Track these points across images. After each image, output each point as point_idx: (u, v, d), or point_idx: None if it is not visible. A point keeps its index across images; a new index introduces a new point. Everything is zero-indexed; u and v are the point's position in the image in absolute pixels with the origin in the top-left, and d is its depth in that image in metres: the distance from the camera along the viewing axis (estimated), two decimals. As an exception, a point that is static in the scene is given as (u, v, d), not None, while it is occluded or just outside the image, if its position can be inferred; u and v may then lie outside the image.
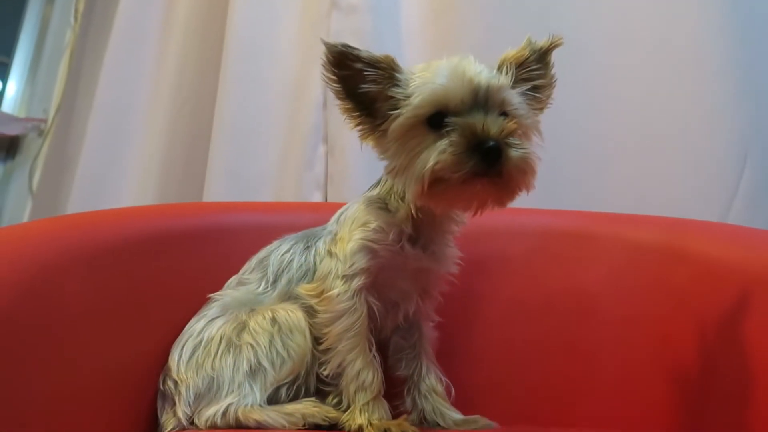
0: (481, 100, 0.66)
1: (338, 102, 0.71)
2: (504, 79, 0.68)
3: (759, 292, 0.70)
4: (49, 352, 0.60)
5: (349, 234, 0.73)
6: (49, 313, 0.61)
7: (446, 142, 0.63)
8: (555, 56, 1.18)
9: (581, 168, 1.13)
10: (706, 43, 1.08)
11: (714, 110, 1.07)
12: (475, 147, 0.62)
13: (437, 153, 0.63)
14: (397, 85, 0.69)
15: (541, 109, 0.74)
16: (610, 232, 0.92)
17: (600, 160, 1.13)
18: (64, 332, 0.63)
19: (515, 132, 0.65)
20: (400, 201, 0.73)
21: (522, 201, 1.09)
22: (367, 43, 1.26)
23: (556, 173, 1.14)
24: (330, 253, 0.74)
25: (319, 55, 0.70)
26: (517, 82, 0.70)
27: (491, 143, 0.62)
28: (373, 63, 0.69)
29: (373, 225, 0.72)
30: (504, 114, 0.67)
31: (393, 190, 0.74)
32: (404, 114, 0.67)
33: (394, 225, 0.72)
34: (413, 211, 0.71)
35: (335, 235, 0.76)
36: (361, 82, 0.69)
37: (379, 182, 0.77)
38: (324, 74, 0.69)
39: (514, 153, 0.63)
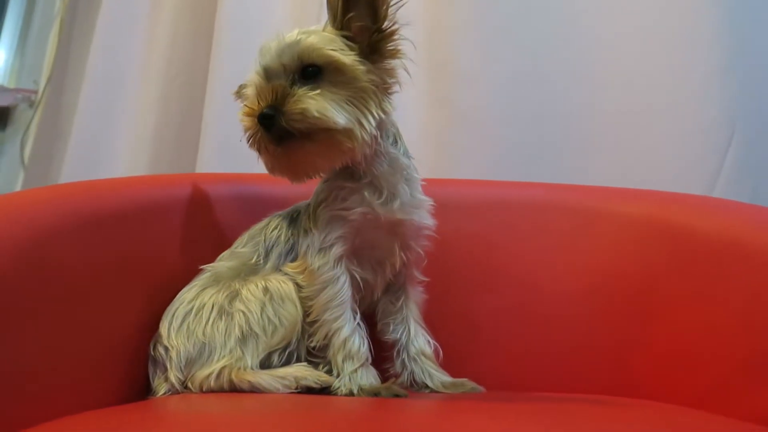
0: (275, 74, 0.70)
1: None
2: (294, 37, 0.70)
3: (741, 266, 0.71)
4: (44, 316, 0.61)
5: (320, 207, 0.76)
6: (44, 279, 0.61)
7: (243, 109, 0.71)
8: (541, 26, 1.18)
9: (566, 141, 1.14)
10: (695, 17, 1.08)
11: (702, 84, 1.07)
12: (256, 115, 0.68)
13: (242, 118, 0.71)
14: None
15: (389, 35, 0.71)
16: (595, 206, 0.93)
17: (585, 133, 1.13)
18: (57, 298, 0.63)
19: (292, 92, 0.68)
20: (365, 165, 0.75)
21: (507, 173, 1.11)
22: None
23: (540, 146, 1.15)
24: (305, 230, 0.77)
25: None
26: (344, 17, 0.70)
27: (264, 111, 0.68)
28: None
29: (335, 193, 0.75)
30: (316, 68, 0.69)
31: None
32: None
33: (355, 188, 0.74)
34: (362, 168, 0.74)
35: (311, 208, 0.78)
36: None
37: None
38: None
39: (294, 119, 0.67)
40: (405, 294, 0.82)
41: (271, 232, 0.81)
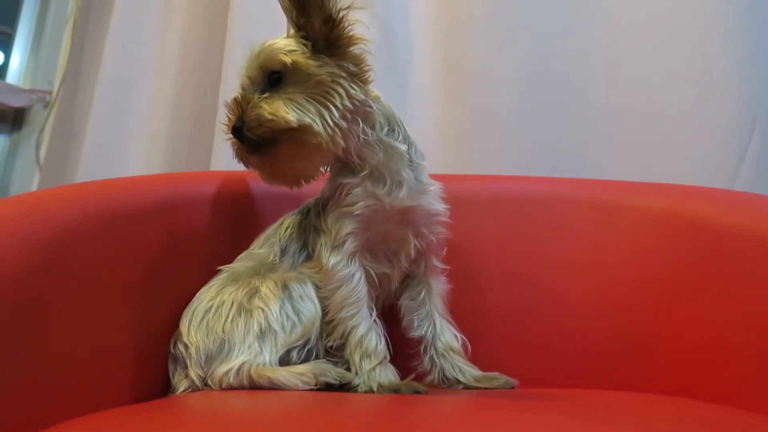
0: (248, 86, 0.73)
1: None
2: (257, 49, 0.72)
3: (764, 260, 0.70)
4: (66, 314, 0.61)
5: (327, 205, 0.76)
6: (67, 277, 0.62)
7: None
8: (557, 21, 1.16)
9: (583, 136, 1.13)
10: (715, 7, 1.07)
11: (722, 75, 1.06)
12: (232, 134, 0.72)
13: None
14: None
15: (339, 23, 0.71)
16: (614, 201, 0.92)
17: (603, 127, 1.12)
18: (78, 296, 0.64)
19: (250, 100, 0.70)
20: (357, 158, 0.75)
21: (522, 169, 1.10)
22: (375, 10, 1.25)
23: (557, 141, 1.14)
24: (317, 229, 0.77)
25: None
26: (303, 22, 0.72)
27: (236, 125, 0.71)
28: None
29: (339, 191, 0.75)
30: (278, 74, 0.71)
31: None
32: None
33: (357, 183, 0.75)
34: (356, 161, 0.75)
35: (319, 206, 0.78)
36: None
37: None
38: None
39: (261, 131, 0.70)
40: (427, 287, 0.81)
41: (285, 231, 0.82)
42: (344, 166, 0.76)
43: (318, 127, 0.69)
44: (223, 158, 1.27)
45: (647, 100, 1.10)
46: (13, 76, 1.86)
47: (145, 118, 1.47)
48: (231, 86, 1.30)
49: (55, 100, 1.76)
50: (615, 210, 0.91)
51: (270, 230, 0.84)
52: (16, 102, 1.78)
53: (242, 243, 0.85)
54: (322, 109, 0.70)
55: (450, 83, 1.20)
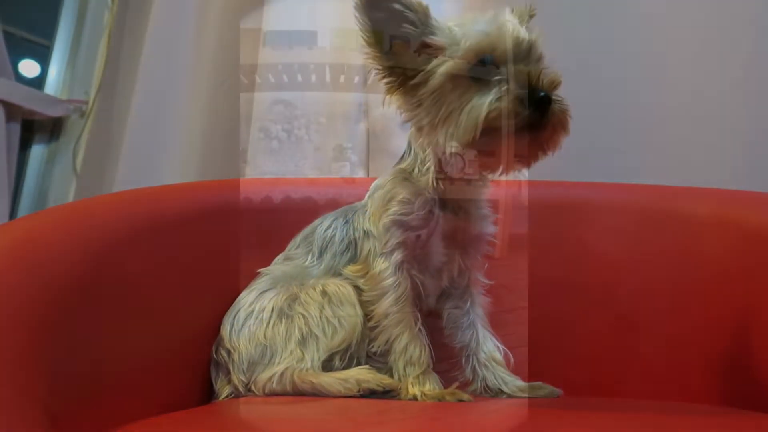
0: (524, 52, 0.65)
1: (368, 49, 0.69)
2: (538, 34, 0.67)
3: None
4: (116, 321, 0.62)
5: (381, 210, 0.74)
6: (119, 281, 0.63)
7: (498, 90, 0.63)
8: (603, 20, 1.14)
9: (625, 137, 1.10)
10: (763, 4, 1.04)
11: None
12: (527, 97, 0.62)
13: (491, 101, 0.62)
14: (434, 33, 0.67)
15: None
16: (661, 206, 0.90)
17: (646, 129, 1.09)
18: (127, 302, 0.64)
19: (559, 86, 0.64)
20: (424, 171, 0.73)
21: (563, 173, 1.08)
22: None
23: (598, 143, 1.11)
24: (367, 233, 0.76)
25: (359, 32, 0.70)
26: None
27: (542, 93, 0.62)
28: (409, 6, 0.67)
29: (400, 197, 0.74)
30: None
31: (417, 162, 0.74)
32: (447, 62, 0.66)
33: (419, 194, 0.73)
34: (432, 181, 0.72)
35: (369, 211, 0.77)
36: (395, 27, 0.67)
37: (403, 156, 0.77)
38: (356, 16, 0.67)
39: (557, 107, 0.64)
40: (471, 298, 0.80)
41: (325, 231, 0.81)
42: (404, 179, 0.74)
43: None
44: (257, 165, 1.28)
45: (690, 100, 1.07)
46: (50, 86, 1.90)
47: (181, 126, 1.48)
48: (266, 94, 1.32)
49: (91, 110, 1.79)
50: (660, 215, 0.88)
51: (308, 230, 0.83)
52: (54, 112, 1.82)
53: (279, 245, 0.85)
54: None
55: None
